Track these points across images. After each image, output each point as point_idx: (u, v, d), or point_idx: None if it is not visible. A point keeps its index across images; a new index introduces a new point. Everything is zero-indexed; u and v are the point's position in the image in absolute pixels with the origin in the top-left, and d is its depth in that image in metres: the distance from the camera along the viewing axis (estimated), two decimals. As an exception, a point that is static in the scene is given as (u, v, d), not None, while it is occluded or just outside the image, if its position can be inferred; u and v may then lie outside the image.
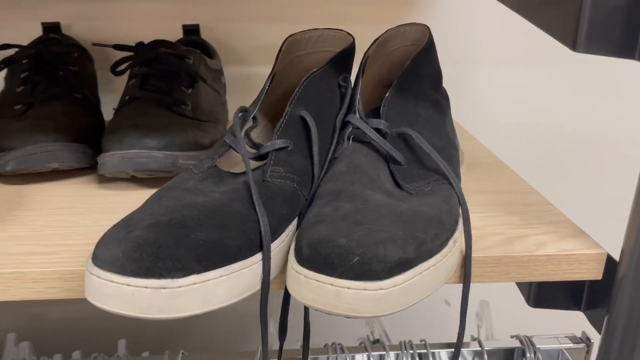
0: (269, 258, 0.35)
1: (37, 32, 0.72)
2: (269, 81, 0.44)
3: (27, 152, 0.51)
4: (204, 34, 0.76)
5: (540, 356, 0.54)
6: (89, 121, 0.58)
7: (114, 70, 0.61)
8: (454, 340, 0.42)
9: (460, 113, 0.82)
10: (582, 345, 0.55)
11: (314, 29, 0.50)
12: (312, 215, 0.36)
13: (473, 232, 0.45)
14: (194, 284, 0.32)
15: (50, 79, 0.59)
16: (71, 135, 0.53)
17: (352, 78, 0.48)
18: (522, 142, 0.85)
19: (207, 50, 0.71)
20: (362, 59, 0.47)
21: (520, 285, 0.51)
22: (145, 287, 0.30)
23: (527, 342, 0.55)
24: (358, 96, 0.45)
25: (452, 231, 0.39)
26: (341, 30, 0.50)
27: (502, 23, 0.80)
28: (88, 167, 0.55)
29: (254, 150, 0.41)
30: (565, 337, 0.57)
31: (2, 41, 0.71)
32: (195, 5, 0.75)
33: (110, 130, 0.52)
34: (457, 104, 0.82)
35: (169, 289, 0.31)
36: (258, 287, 0.36)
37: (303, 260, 0.33)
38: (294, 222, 0.40)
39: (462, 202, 0.41)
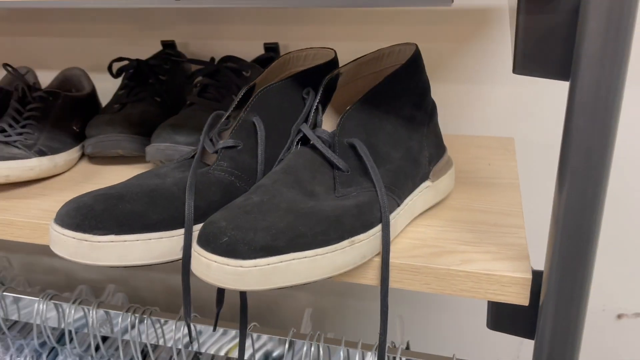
0: (190, 231, 0.43)
1: (159, 47, 0.90)
2: (244, 90, 0.52)
3: (99, 140, 0.66)
4: (283, 52, 0.86)
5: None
6: (159, 119, 0.72)
7: (189, 80, 0.75)
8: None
9: (526, 133, 0.80)
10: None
11: (310, 48, 0.57)
12: (229, 204, 0.44)
13: (412, 242, 0.48)
14: (112, 242, 0.41)
15: (141, 85, 0.75)
16: (135, 129, 0.68)
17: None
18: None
19: (277, 65, 0.81)
20: (331, 75, 0.52)
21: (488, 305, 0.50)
22: (73, 238, 0.41)
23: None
24: (318, 107, 0.50)
25: (353, 233, 0.42)
26: (330, 49, 0.55)
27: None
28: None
29: (214, 147, 0.49)
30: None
31: (131, 55, 0.90)
32: (278, 27, 0.86)
33: (159, 127, 0.65)
34: (524, 123, 0.80)
35: (89, 241, 0.41)
36: (180, 255, 0.44)
37: (197, 237, 0.41)
38: (234, 210, 0.47)
39: (382, 210, 0.45)
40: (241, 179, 0.47)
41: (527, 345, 0.91)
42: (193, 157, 0.51)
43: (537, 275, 0.42)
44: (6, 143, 0.64)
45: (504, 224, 0.51)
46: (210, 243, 0.39)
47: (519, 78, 0.78)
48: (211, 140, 0.49)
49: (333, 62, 0.54)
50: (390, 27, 0.82)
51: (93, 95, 0.79)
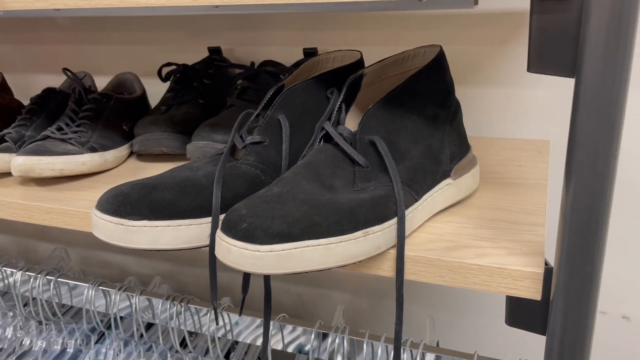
0: (217, 220, 0.47)
1: (206, 53, 0.95)
2: (273, 90, 0.55)
3: (145, 138, 0.71)
4: (324, 56, 0.89)
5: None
6: (200, 120, 0.76)
7: (230, 83, 0.79)
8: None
9: (562, 136, 0.79)
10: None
11: (338, 51, 0.59)
12: (251, 195, 0.47)
13: (429, 236, 0.49)
14: (145, 226, 0.45)
15: (186, 88, 0.80)
16: (177, 129, 0.72)
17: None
18: (620, 168, 0.77)
19: (315, 69, 0.84)
20: (356, 75, 0.54)
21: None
22: (110, 222, 0.45)
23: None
24: (342, 105, 0.52)
25: (367, 224, 0.44)
26: (357, 51, 0.58)
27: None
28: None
29: (243, 143, 0.52)
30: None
31: (180, 60, 0.96)
32: (318, 32, 0.89)
33: (199, 127, 0.70)
34: (561, 126, 0.79)
35: (125, 226, 0.45)
36: (207, 242, 0.48)
37: (221, 223, 0.44)
38: (260, 202, 0.50)
39: (398, 204, 0.46)
40: (266, 172, 0.50)
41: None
42: (221, 153, 0.55)
43: (549, 271, 0.43)
44: (62, 140, 0.70)
45: (524, 222, 0.51)
46: (231, 229, 0.42)
47: (555, 81, 0.78)
48: (241, 136, 0.52)
49: (358, 64, 0.56)
50: (430, 31, 0.83)
51: (143, 97, 0.85)
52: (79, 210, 0.59)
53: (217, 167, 0.52)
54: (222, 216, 0.48)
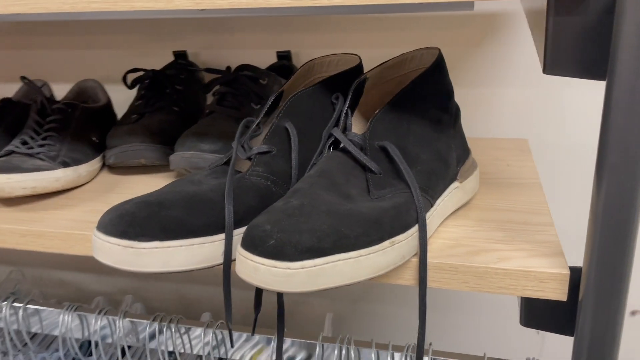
0: (231, 236, 0.44)
1: (170, 58, 0.91)
2: (274, 97, 0.53)
3: (122, 150, 0.67)
4: (297, 59, 0.87)
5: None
6: (178, 128, 0.73)
7: (206, 89, 0.75)
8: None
9: (538, 134, 0.81)
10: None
11: (334, 54, 0.58)
12: (268, 208, 0.44)
13: (446, 242, 0.48)
14: (156, 248, 0.42)
15: (158, 95, 0.76)
16: (157, 139, 0.68)
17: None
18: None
19: (291, 73, 0.82)
20: (358, 80, 0.53)
21: (519, 301, 0.51)
22: (118, 245, 0.41)
23: (534, 365, 0.54)
24: (347, 111, 0.51)
25: (393, 234, 0.43)
26: (354, 54, 0.56)
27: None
28: (168, 164, 0.69)
29: (246, 153, 0.50)
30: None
31: (144, 65, 0.91)
32: (290, 35, 0.87)
33: (182, 136, 0.66)
34: (536, 125, 0.81)
35: (135, 248, 0.41)
36: (220, 260, 0.45)
37: (242, 241, 0.41)
38: (271, 215, 0.48)
39: (419, 211, 0.45)
40: (276, 183, 0.48)
41: (549, 342, 0.92)
42: (225, 164, 0.52)
43: (574, 271, 0.43)
44: (29, 155, 0.64)
45: (533, 222, 0.52)
46: (257, 246, 0.39)
47: (527, 80, 0.80)
48: (243, 146, 0.50)
49: (358, 68, 0.55)
50: (401, 33, 0.83)
51: (109, 106, 0.79)
52: (60, 231, 0.55)
53: (220, 180, 0.49)
54: (235, 232, 0.45)
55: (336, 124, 0.51)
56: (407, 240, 0.44)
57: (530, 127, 0.82)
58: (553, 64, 0.42)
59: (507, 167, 0.67)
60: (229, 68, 0.76)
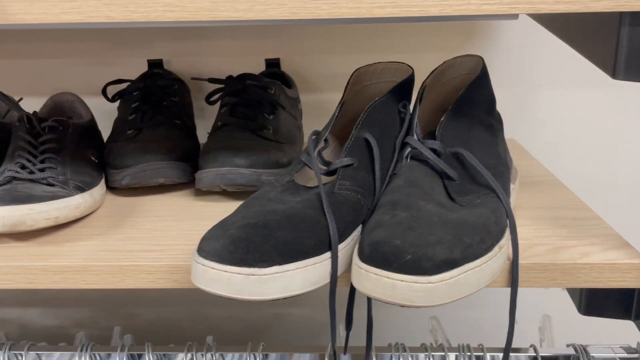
0: (337, 254, 0.42)
1: (143, 67, 0.84)
2: (339, 108, 0.52)
3: (140, 169, 0.61)
4: (284, 66, 0.85)
5: (594, 365, 0.57)
6: (187, 143, 0.68)
7: (208, 100, 0.71)
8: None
9: (523, 135, 0.86)
10: (636, 355, 0.58)
11: (378, 62, 0.57)
12: (373, 222, 0.43)
13: (522, 242, 0.50)
14: (276, 273, 0.39)
15: (156, 108, 0.70)
16: (174, 155, 0.63)
17: (413, 104, 0.55)
18: (581, 161, 0.88)
19: (286, 80, 0.80)
20: (420, 89, 0.53)
21: (572, 294, 0.54)
22: (239, 274, 0.38)
23: (581, 351, 0.58)
24: (416, 120, 0.51)
25: (498, 238, 0.44)
26: (402, 63, 0.57)
27: (562, 50, 0.84)
28: (187, 182, 0.64)
29: (325, 167, 0.48)
30: (620, 347, 0.59)
31: (113, 76, 0.84)
32: (276, 40, 0.85)
33: (205, 151, 0.62)
34: (520, 126, 0.87)
35: (257, 275, 0.39)
36: (328, 280, 0.43)
37: (365, 258, 0.40)
38: (359, 228, 0.47)
39: (509, 214, 0.47)
40: (364, 195, 0.47)
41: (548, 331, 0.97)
42: (291, 180, 0.49)
43: (650, 260, 0.47)
44: (32, 181, 0.56)
45: (582, 217, 0.55)
46: (392, 262, 0.38)
47: (516, 82, 0.85)
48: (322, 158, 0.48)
49: (413, 76, 0.55)
50: (384, 40, 0.84)
51: (94, 121, 0.72)
52: (106, 264, 0.49)
53: (301, 196, 0.47)
54: (340, 247, 0.43)
55: (407, 133, 0.51)
56: (507, 244, 0.45)
57: (515, 126, 0.87)
58: (622, 71, 0.46)
59: (516, 167, 0.71)
60: (231, 77, 0.72)
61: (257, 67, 0.84)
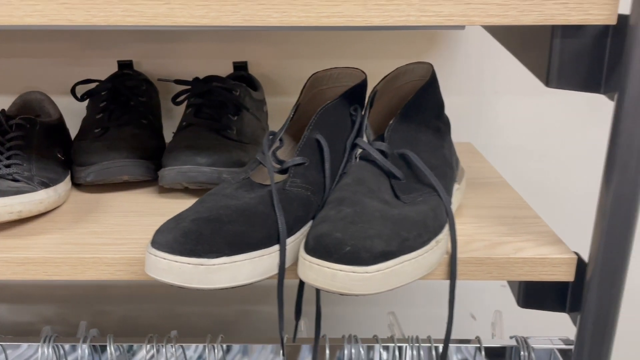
0: (285, 247, 0.45)
1: (113, 68, 0.86)
2: (294, 111, 0.54)
3: (104, 167, 0.63)
4: (253, 69, 0.88)
5: (533, 355, 0.61)
6: (153, 142, 0.70)
7: (175, 100, 0.74)
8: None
9: (478, 138, 0.90)
10: (573, 346, 0.61)
11: (335, 68, 0.60)
12: (319, 217, 0.46)
13: (462, 238, 0.54)
14: (225, 263, 0.42)
15: (123, 108, 0.72)
16: (138, 154, 0.66)
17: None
18: (532, 164, 0.92)
19: (252, 83, 0.82)
20: (371, 93, 0.57)
21: (512, 287, 0.58)
22: (189, 264, 0.41)
23: (522, 342, 0.62)
24: (366, 123, 0.54)
25: (436, 233, 0.47)
26: (357, 68, 0.60)
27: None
28: (151, 180, 0.67)
29: (278, 166, 0.51)
30: (559, 339, 0.63)
31: (83, 76, 0.86)
32: (244, 44, 0.87)
33: (169, 149, 0.64)
34: (477, 130, 0.91)
35: (205, 265, 0.41)
36: (276, 271, 0.46)
37: (308, 250, 0.43)
38: (309, 224, 0.50)
39: (448, 211, 0.50)
40: (314, 192, 0.50)
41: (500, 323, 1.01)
42: (246, 178, 0.52)
43: (580, 256, 0.51)
44: (-1, 176, 0.58)
45: (522, 216, 0.59)
46: (333, 253, 0.41)
47: (467, 89, 0.89)
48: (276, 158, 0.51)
49: (366, 81, 0.58)
50: (351, 47, 0.88)
51: (62, 120, 0.74)
52: (67, 256, 0.51)
53: (255, 193, 0.49)
54: (289, 240, 0.46)
55: (357, 134, 0.54)
56: (445, 239, 0.49)
57: (469, 130, 0.91)
58: (555, 79, 0.49)
59: (468, 169, 0.75)
60: (197, 79, 0.75)
61: (227, 69, 0.87)
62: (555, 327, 0.74)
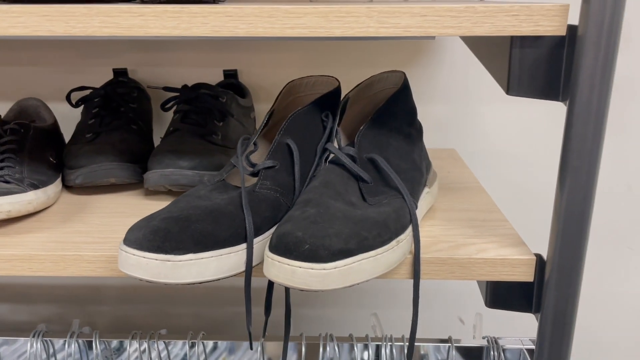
0: (252, 244, 0.48)
1: (109, 75, 0.90)
2: (268, 116, 0.57)
3: (92, 170, 0.66)
4: (243, 77, 0.91)
5: (503, 355, 0.63)
6: (141, 146, 0.73)
7: (163, 107, 0.77)
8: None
9: (463, 145, 0.92)
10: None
11: (310, 76, 0.63)
12: (285, 217, 0.48)
13: (428, 239, 0.56)
14: (191, 260, 0.44)
15: (114, 114, 0.76)
16: (125, 157, 0.69)
17: (339, 114, 0.60)
18: (514, 170, 0.94)
19: (241, 90, 0.85)
20: (343, 100, 0.59)
21: (480, 287, 0.60)
22: (156, 260, 0.43)
23: (492, 342, 0.64)
24: (338, 128, 0.57)
25: (397, 234, 0.49)
26: (331, 76, 0.63)
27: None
28: (138, 182, 0.70)
29: (250, 168, 0.53)
30: (529, 339, 0.65)
31: (80, 83, 0.89)
32: (234, 53, 0.90)
33: (154, 153, 0.67)
34: (460, 137, 0.92)
35: (172, 262, 0.44)
36: (243, 268, 0.48)
37: (272, 247, 0.45)
38: (278, 225, 0.52)
39: (411, 213, 0.52)
40: (283, 194, 0.52)
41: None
42: (221, 180, 0.55)
43: (540, 257, 0.53)
44: (-10, 178, 0.61)
45: (491, 219, 0.61)
46: (293, 251, 0.44)
47: (450, 97, 0.91)
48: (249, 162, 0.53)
49: (339, 88, 0.61)
50: (337, 55, 0.90)
51: (57, 125, 0.77)
52: (49, 253, 0.54)
53: (228, 194, 0.52)
54: (257, 240, 0.49)
55: (328, 140, 0.57)
56: (407, 240, 0.51)
57: (452, 137, 0.93)
58: (514, 87, 0.51)
59: (448, 174, 0.77)
60: (185, 86, 0.78)
61: (218, 77, 0.90)
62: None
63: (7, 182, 0.61)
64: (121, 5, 0.46)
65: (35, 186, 0.63)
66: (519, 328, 0.85)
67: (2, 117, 0.76)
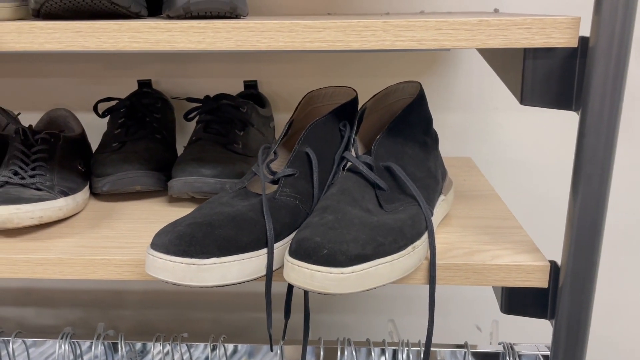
0: (272, 249, 0.50)
1: (134, 87, 0.93)
2: (288, 126, 0.59)
3: (118, 177, 0.69)
4: (262, 88, 0.93)
5: (519, 361, 0.63)
6: (165, 155, 0.76)
7: (186, 117, 0.79)
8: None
9: (480, 153, 0.93)
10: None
11: (328, 87, 0.65)
12: (304, 223, 0.50)
13: (444, 245, 0.57)
14: (215, 264, 0.46)
15: (139, 124, 0.78)
16: (150, 166, 0.71)
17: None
18: (529, 177, 0.94)
19: (261, 101, 0.88)
20: (360, 110, 0.61)
21: (496, 293, 0.61)
22: (181, 263, 0.46)
23: (508, 348, 0.64)
24: (355, 137, 0.59)
25: (413, 240, 0.51)
26: (349, 87, 0.64)
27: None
28: (162, 190, 0.72)
29: (271, 176, 0.55)
30: (545, 345, 0.65)
31: (106, 94, 0.92)
32: (254, 64, 0.93)
33: (178, 162, 0.70)
34: (477, 145, 0.94)
35: (197, 265, 0.46)
36: (264, 272, 0.50)
37: (291, 252, 0.47)
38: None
39: (427, 220, 0.54)
40: (302, 202, 0.54)
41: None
42: (243, 187, 0.57)
43: (554, 264, 0.54)
44: (23, 185, 0.64)
45: (506, 226, 0.62)
46: (312, 256, 0.45)
47: (466, 107, 0.92)
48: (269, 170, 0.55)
49: (356, 98, 0.62)
50: (356, 65, 0.92)
51: (84, 135, 0.80)
52: (80, 258, 0.56)
53: (249, 201, 0.54)
54: (275, 245, 0.51)
55: (345, 148, 0.59)
56: (422, 246, 0.52)
57: (468, 146, 0.94)
58: (528, 97, 0.53)
59: (464, 182, 0.78)
60: (207, 97, 0.80)
61: (238, 88, 0.92)
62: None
63: (38, 189, 0.64)
64: (149, 22, 0.49)
65: (65, 193, 0.65)
66: (536, 334, 0.85)
67: (32, 127, 0.79)
